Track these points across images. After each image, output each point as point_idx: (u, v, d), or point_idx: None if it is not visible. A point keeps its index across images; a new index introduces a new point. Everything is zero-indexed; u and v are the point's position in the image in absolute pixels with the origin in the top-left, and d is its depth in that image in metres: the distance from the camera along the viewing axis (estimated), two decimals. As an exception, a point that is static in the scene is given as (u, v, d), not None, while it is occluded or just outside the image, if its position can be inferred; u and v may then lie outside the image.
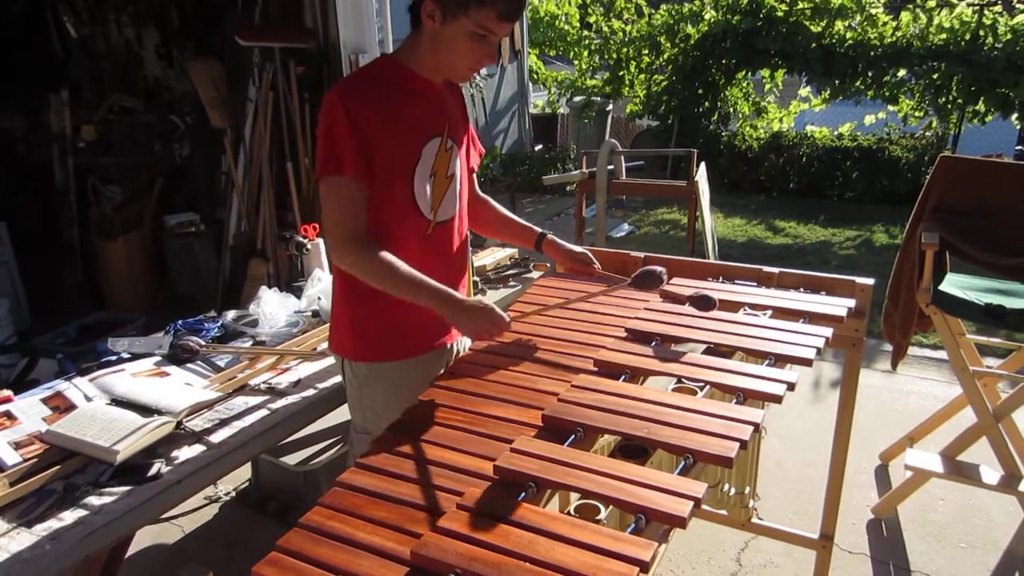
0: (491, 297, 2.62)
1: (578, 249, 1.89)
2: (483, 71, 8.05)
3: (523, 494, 1.11)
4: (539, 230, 1.90)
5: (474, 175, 1.88)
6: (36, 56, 4.96)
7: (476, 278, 2.61)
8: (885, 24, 7.43)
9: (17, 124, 4.99)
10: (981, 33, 6.94)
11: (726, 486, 2.15)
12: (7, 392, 1.88)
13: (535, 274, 2.75)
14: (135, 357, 2.11)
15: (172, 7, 5.03)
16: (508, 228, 1.93)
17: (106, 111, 5.09)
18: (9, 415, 1.78)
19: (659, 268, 1.80)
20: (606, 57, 9.33)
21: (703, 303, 1.77)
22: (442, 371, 1.63)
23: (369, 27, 3.78)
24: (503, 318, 1.52)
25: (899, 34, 7.33)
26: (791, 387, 1.40)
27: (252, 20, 4.18)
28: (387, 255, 1.53)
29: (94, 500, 1.50)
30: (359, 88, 1.53)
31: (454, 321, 1.54)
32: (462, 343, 1.84)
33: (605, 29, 9.20)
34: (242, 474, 2.86)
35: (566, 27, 9.59)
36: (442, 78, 1.61)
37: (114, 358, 2.12)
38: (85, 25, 5.34)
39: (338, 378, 1.91)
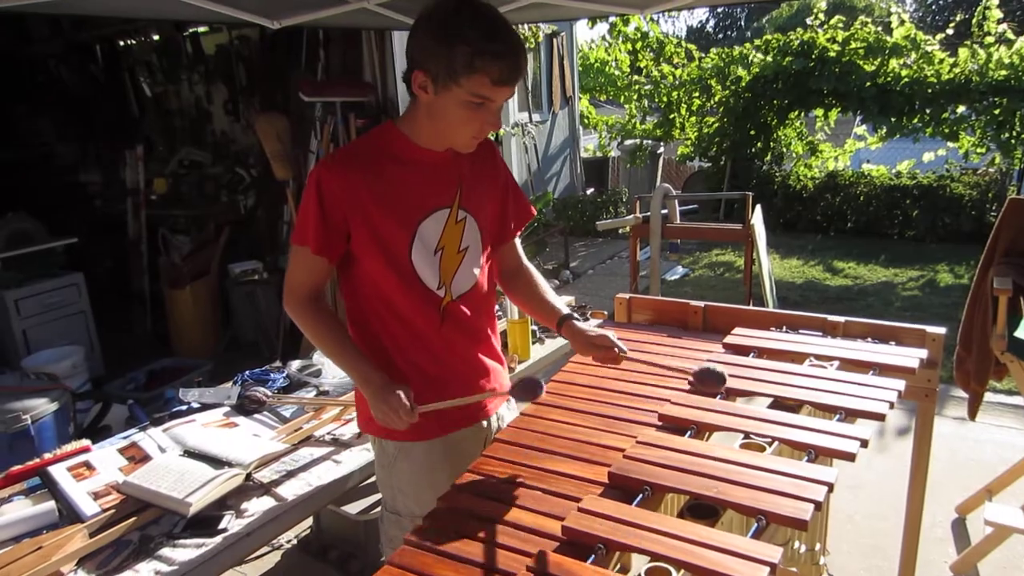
0: (548, 347, 2.62)
1: (595, 333, 1.64)
2: (535, 117, 8.17)
3: (592, 556, 1.10)
4: (564, 312, 1.71)
5: (516, 242, 1.77)
6: (114, 115, 5.28)
7: (535, 327, 2.62)
8: (942, 61, 7.31)
9: (94, 179, 5.30)
10: (1043, 67, 6.79)
11: (796, 543, 2.07)
12: (86, 442, 1.96)
13: (593, 322, 2.74)
14: (205, 407, 2.17)
15: (240, 66, 5.29)
16: (537, 306, 1.77)
17: (177, 165, 5.36)
18: (88, 465, 1.85)
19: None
20: (656, 101, 9.38)
21: (708, 380, 1.62)
22: (483, 447, 1.59)
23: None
24: (404, 407, 1.41)
25: (957, 70, 7.19)
26: (864, 444, 1.36)
27: (315, 76, 4.37)
28: (327, 319, 1.55)
29: (168, 552, 1.55)
30: (344, 164, 1.49)
31: (368, 402, 1.48)
32: (501, 419, 1.75)
33: (655, 73, 9.26)
34: (304, 522, 2.89)
35: (616, 72, 9.69)
36: (446, 146, 1.53)
37: (184, 407, 2.19)
38: (159, 84, 5.66)
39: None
